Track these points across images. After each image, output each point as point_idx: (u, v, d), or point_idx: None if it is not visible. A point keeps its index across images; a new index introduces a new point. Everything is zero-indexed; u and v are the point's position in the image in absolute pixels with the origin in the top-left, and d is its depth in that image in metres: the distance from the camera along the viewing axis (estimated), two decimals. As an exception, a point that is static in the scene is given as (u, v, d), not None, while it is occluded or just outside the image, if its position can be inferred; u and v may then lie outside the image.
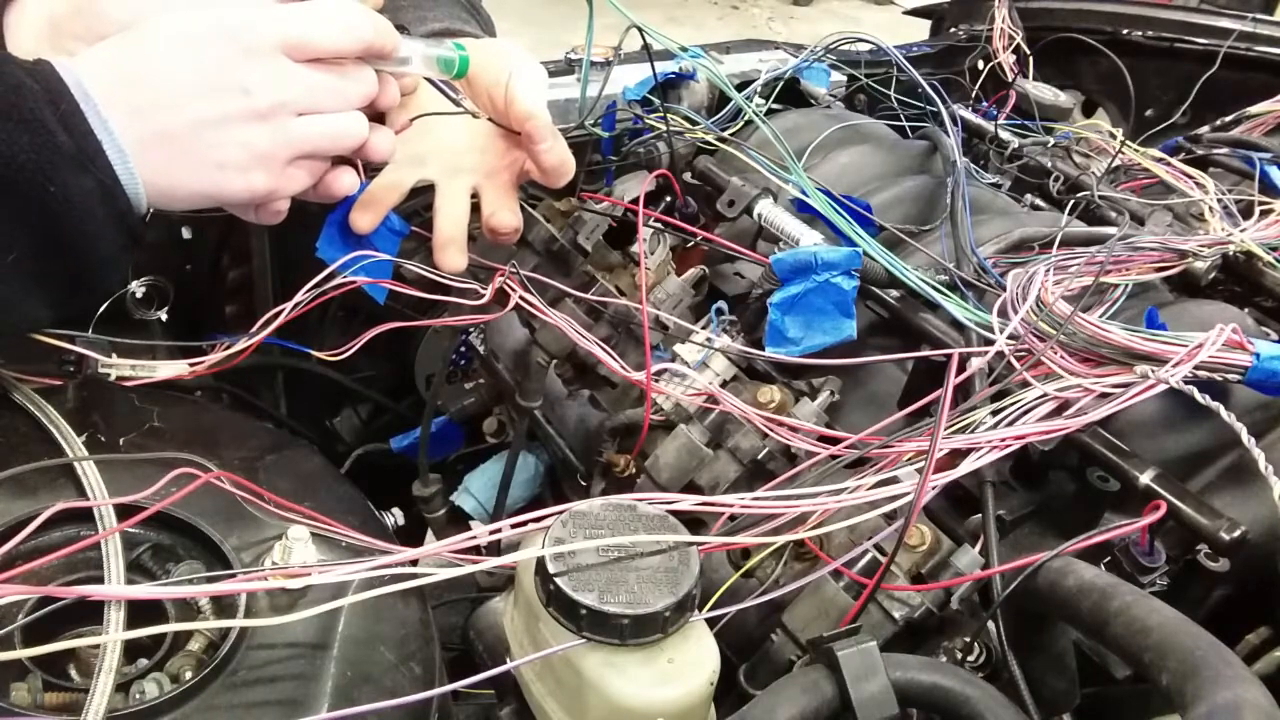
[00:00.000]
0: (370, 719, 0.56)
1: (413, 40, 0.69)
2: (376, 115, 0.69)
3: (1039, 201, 1.14)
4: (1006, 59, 1.50)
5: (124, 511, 0.60)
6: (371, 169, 0.75)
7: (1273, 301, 0.98)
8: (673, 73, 1.16)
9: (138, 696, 0.55)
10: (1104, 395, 0.72)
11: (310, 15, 0.62)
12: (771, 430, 0.80)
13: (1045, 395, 0.72)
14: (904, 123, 1.23)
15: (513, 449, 0.97)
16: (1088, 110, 1.69)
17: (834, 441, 0.77)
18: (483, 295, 0.83)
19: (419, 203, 0.85)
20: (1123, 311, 0.86)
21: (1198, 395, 0.68)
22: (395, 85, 0.69)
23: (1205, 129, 1.38)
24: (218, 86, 0.59)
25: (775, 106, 1.22)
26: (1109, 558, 0.67)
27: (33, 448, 0.66)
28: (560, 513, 0.60)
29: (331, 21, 0.63)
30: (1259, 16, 1.54)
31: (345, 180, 0.69)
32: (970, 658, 0.66)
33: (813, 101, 1.28)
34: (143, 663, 0.58)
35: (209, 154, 0.60)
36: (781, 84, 1.23)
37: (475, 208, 0.83)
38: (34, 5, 0.65)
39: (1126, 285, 0.88)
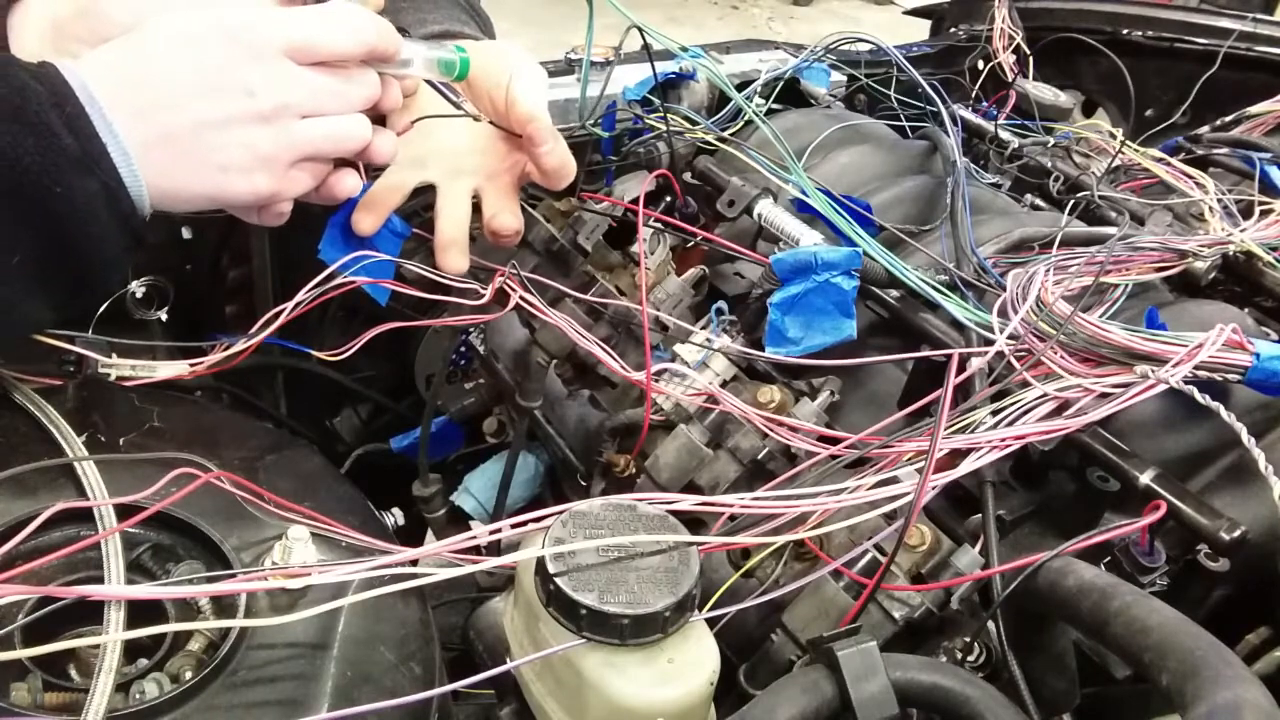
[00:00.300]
0: (370, 719, 0.56)
1: (414, 43, 0.69)
2: (378, 117, 0.69)
3: (1039, 201, 1.14)
4: (1006, 59, 1.50)
5: (124, 511, 0.60)
6: (373, 171, 0.75)
7: (1273, 301, 0.98)
8: (673, 73, 1.16)
9: (138, 696, 0.55)
10: (1104, 395, 0.72)
11: (314, 18, 0.62)
12: (771, 430, 0.80)
13: (1045, 395, 0.72)
14: (904, 123, 1.23)
15: (513, 449, 0.97)
16: (1088, 110, 1.69)
17: (834, 441, 0.77)
18: (483, 295, 0.83)
19: (419, 203, 0.85)
20: (1123, 311, 0.86)
21: (1198, 395, 0.68)
22: (398, 88, 0.69)
23: (1205, 129, 1.38)
24: (221, 88, 0.59)
25: (775, 106, 1.22)
26: (1109, 558, 0.67)
27: (33, 448, 0.66)
28: (560, 513, 0.60)
29: (335, 25, 0.63)
30: (1259, 16, 1.54)
31: (348, 182, 0.69)
32: (970, 658, 0.66)
33: (813, 101, 1.28)
34: (143, 663, 0.58)
35: (212, 155, 0.60)
36: (781, 84, 1.23)
37: (475, 208, 0.83)
38: (37, 7, 0.65)
39: (1126, 285, 0.88)
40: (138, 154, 0.57)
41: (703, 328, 0.91)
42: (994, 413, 0.72)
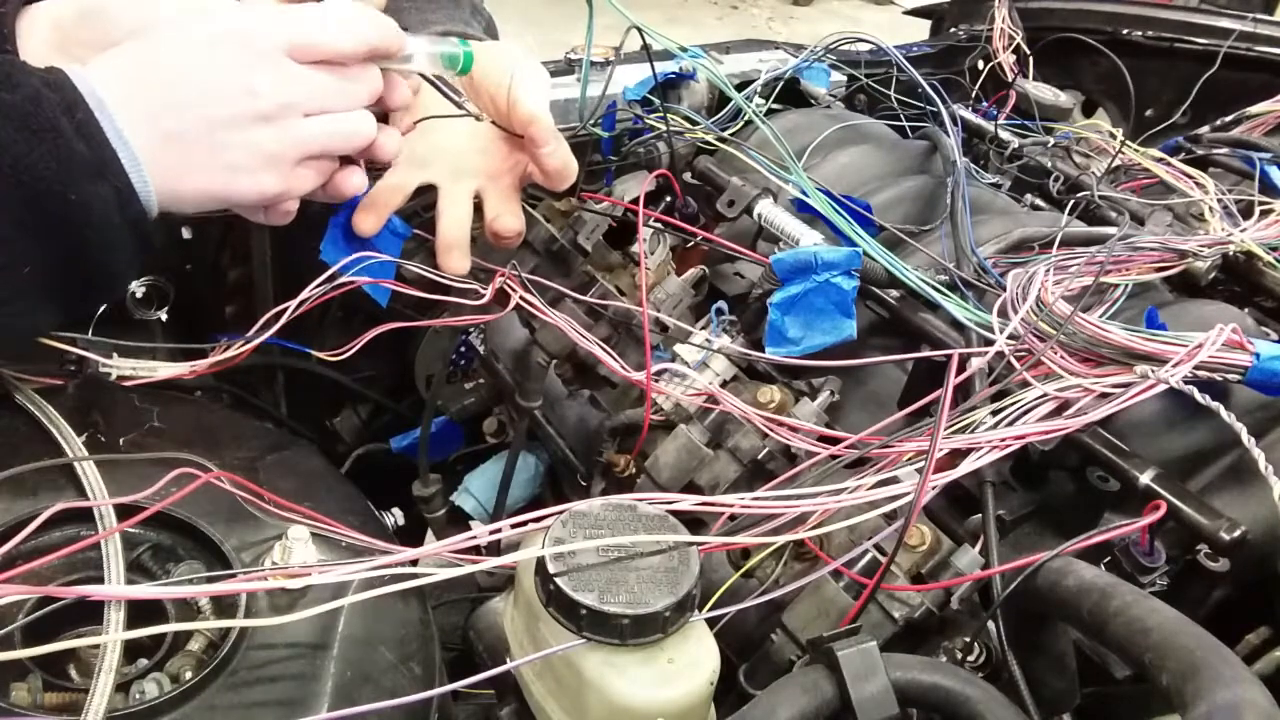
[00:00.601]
0: (370, 719, 0.56)
1: (417, 38, 0.69)
2: (382, 116, 0.69)
3: (1039, 201, 1.14)
4: (1006, 59, 1.50)
5: (124, 511, 0.60)
6: (374, 170, 0.75)
7: (1273, 301, 0.98)
8: (673, 73, 1.16)
9: (138, 696, 0.55)
10: (1104, 395, 0.71)
11: (314, 18, 0.63)
12: (771, 430, 0.80)
13: (1045, 395, 0.72)
14: (904, 123, 1.23)
15: (513, 449, 0.97)
16: (1088, 110, 1.68)
17: (834, 441, 0.77)
18: (483, 295, 0.83)
19: (419, 203, 0.85)
20: (1123, 311, 0.86)
21: (1198, 395, 0.68)
22: (405, 85, 0.70)
23: (1205, 129, 1.38)
24: (225, 89, 0.60)
25: (775, 106, 1.22)
26: (1109, 558, 0.67)
27: (33, 448, 0.66)
28: (560, 513, 0.60)
29: (335, 24, 0.63)
30: (1259, 16, 1.54)
31: (353, 180, 0.70)
32: (970, 658, 0.66)
33: (813, 101, 1.28)
34: (143, 663, 0.58)
35: (219, 156, 0.61)
36: (781, 84, 1.23)
37: (476, 209, 0.83)
38: (42, 12, 0.65)
39: (1126, 285, 0.88)
40: (145, 157, 0.58)
41: (703, 328, 0.91)
42: (994, 413, 0.72)
